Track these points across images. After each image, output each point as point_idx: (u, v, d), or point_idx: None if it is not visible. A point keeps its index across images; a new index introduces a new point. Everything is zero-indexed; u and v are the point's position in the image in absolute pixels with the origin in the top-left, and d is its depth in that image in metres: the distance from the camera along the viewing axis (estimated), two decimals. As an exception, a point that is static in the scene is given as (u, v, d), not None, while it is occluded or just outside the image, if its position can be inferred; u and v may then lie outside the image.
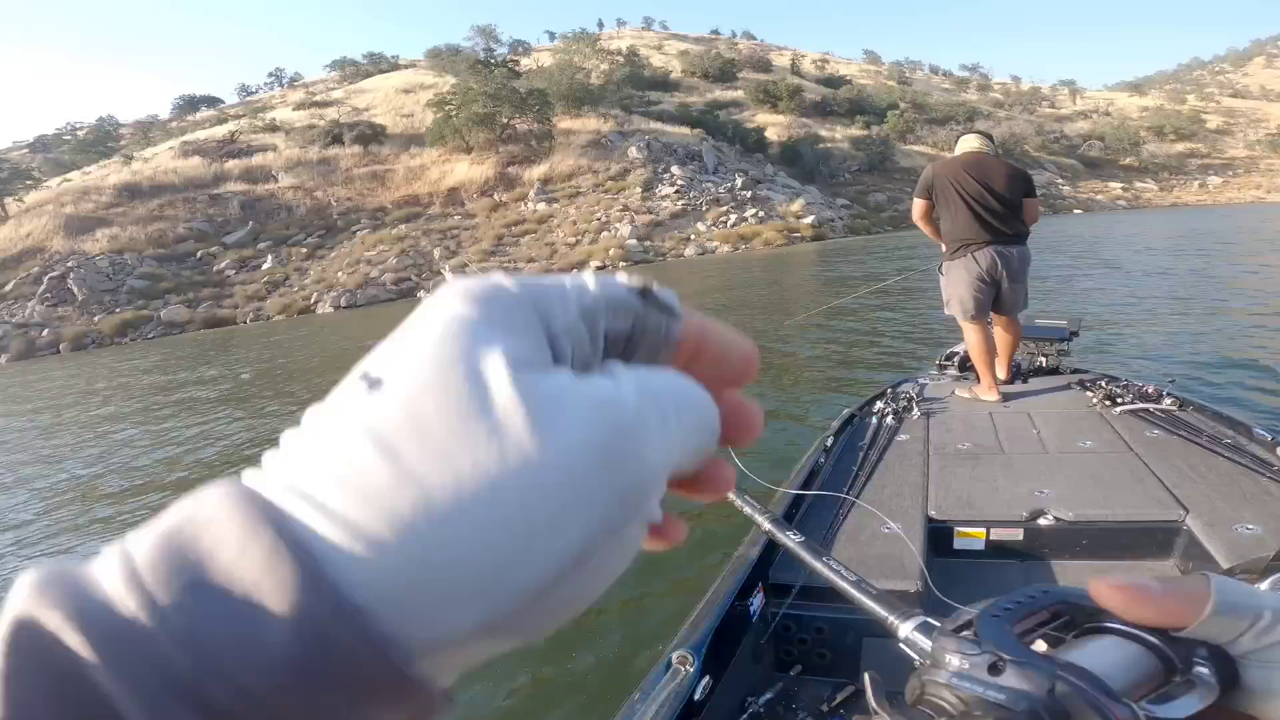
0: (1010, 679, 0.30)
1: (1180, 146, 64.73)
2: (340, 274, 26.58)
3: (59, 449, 7.69)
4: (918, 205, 3.10)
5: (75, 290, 27.25)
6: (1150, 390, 2.54)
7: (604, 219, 28.90)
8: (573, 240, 27.67)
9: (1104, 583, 0.34)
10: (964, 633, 0.32)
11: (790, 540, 0.83)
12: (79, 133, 54.11)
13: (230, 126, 45.22)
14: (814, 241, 28.59)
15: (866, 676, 0.37)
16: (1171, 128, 66.43)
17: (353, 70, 70.14)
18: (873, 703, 0.35)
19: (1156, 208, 48.45)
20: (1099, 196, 52.15)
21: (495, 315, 0.16)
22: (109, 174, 38.02)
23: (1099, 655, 0.32)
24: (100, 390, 12.23)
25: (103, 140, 51.23)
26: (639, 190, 30.81)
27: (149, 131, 59.23)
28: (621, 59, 49.23)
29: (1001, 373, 3.02)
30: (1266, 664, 0.31)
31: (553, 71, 41.01)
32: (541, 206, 30.47)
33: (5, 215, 33.45)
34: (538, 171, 32.71)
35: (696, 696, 1.09)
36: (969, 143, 3.07)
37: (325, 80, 72.42)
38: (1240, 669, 0.31)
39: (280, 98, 66.17)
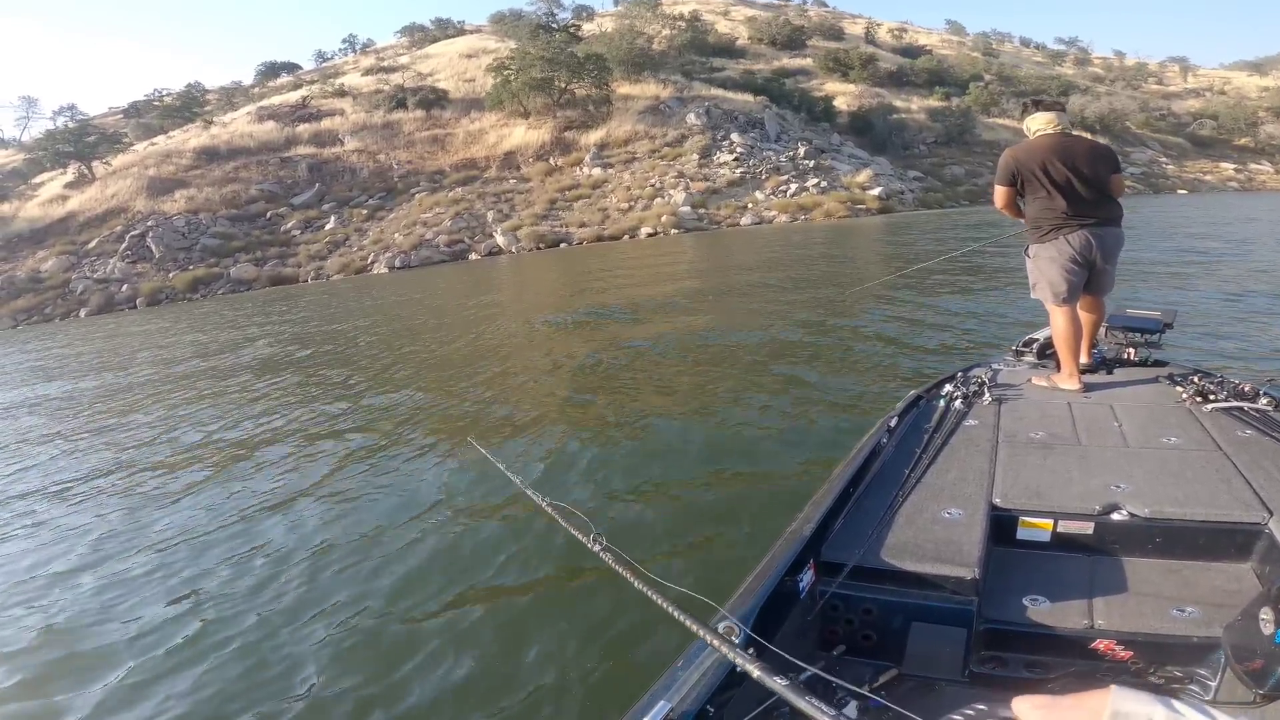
0: None
1: (1302, 128, 58.17)
2: (397, 235, 26.89)
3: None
4: (1000, 193, 2.97)
5: (153, 248, 28.60)
6: (1246, 389, 2.39)
7: (658, 185, 28.07)
8: (625, 206, 27.01)
9: (1021, 700, 0.40)
10: None
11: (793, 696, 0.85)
12: (166, 99, 56.61)
13: (303, 92, 46.39)
14: (880, 214, 27.04)
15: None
16: (1294, 108, 59.70)
17: (421, 36, 70.84)
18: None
19: (1272, 191, 43.84)
20: (1207, 177, 47.61)
21: None
22: (190, 138, 39.63)
23: None
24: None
25: (189, 106, 53.48)
26: (696, 157, 29.76)
27: (233, 97, 61.46)
28: (684, 24, 47.60)
29: (1083, 356, 2.89)
30: None
31: (612, 36, 40.05)
32: (596, 171, 29.90)
33: (93, 177, 35.42)
34: (594, 136, 32.08)
35: (738, 668, 1.04)
36: (1044, 121, 2.87)
37: (395, 46, 73.28)
38: None
39: (353, 63, 67.36)
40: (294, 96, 45.77)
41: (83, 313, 25.11)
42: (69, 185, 35.75)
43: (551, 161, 31.51)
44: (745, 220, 25.91)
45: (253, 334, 12.36)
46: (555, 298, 13.00)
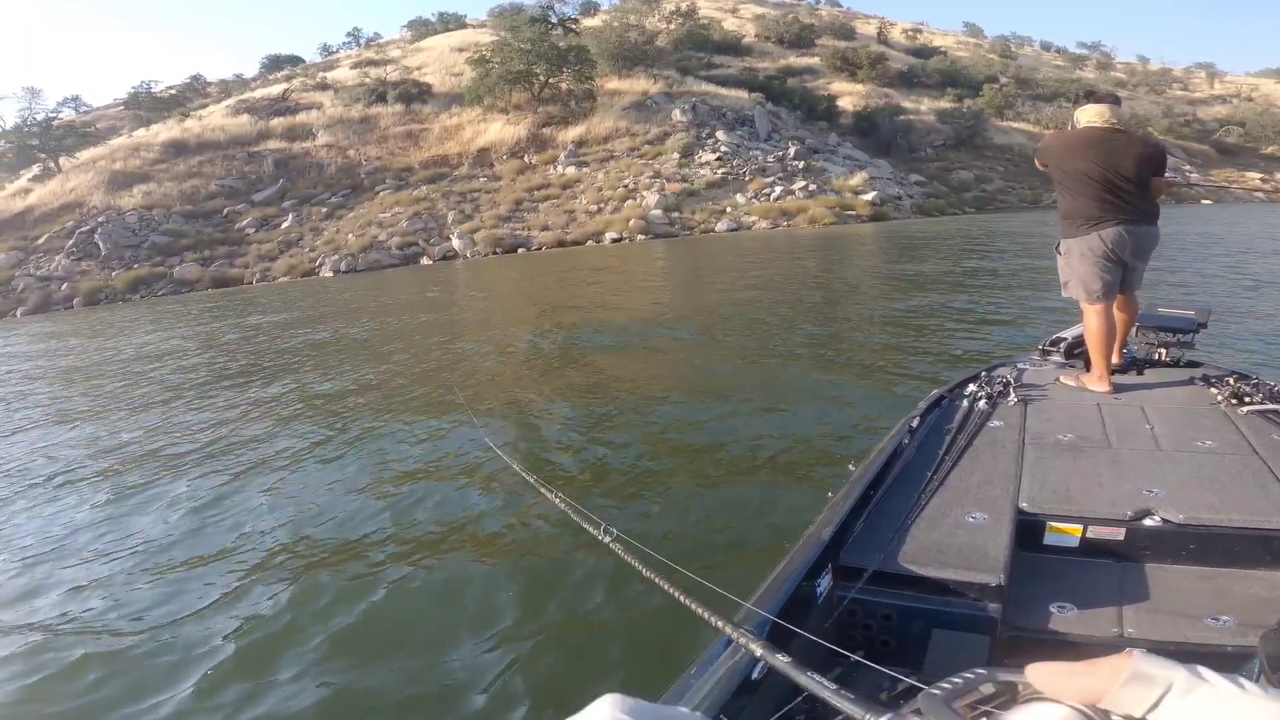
0: None
1: (1334, 137, 54.89)
2: (350, 236, 25.17)
3: None
4: (1038, 163, 2.91)
5: (100, 245, 27.09)
6: None
7: (631, 186, 26.02)
8: (594, 208, 25.01)
9: (1035, 667, 0.40)
10: (913, 710, 0.38)
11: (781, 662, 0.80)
12: (156, 91, 55.47)
13: (285, 85, 44.96)
14: (871, 221, 24.81)
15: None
16: (1325, 116, 56.51)
17: (423, 30, 69.51)
18: None
19: (1302, 200, 41.12)
20: (1233, 186, 44.95)
21: None
22: (161, 131, 38.23)
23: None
24: None
25: (183, 99, 52.20)
26: (676, 156, 27.62)
27: (233, 90, 60.22)
28: (680, 19, 45.58)
29: (1114, 357, 2.78)
30: None
31: (602, 30, 38.12)
32: (570, 170, 27.94)
33: (58, 170, 34.07)
34: (572, 133, 30.10)
35: (754, 675, 1.06)
36: (1094, 114, 2.73)
37: (398, 40, 71.92)
38: None
39: (356, 57, 65.88)
40: (276, 89, 44.31)
41: (19, 312, 23.67)
42: (33, 179, 34.47)
43: (525, 159, 29.64)
44: (721, 226, 23.81)
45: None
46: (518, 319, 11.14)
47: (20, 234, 29.22)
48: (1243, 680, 0.34)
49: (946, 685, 0.40)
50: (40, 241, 28.24)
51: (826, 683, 0.58)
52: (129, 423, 6.16)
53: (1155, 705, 0.34)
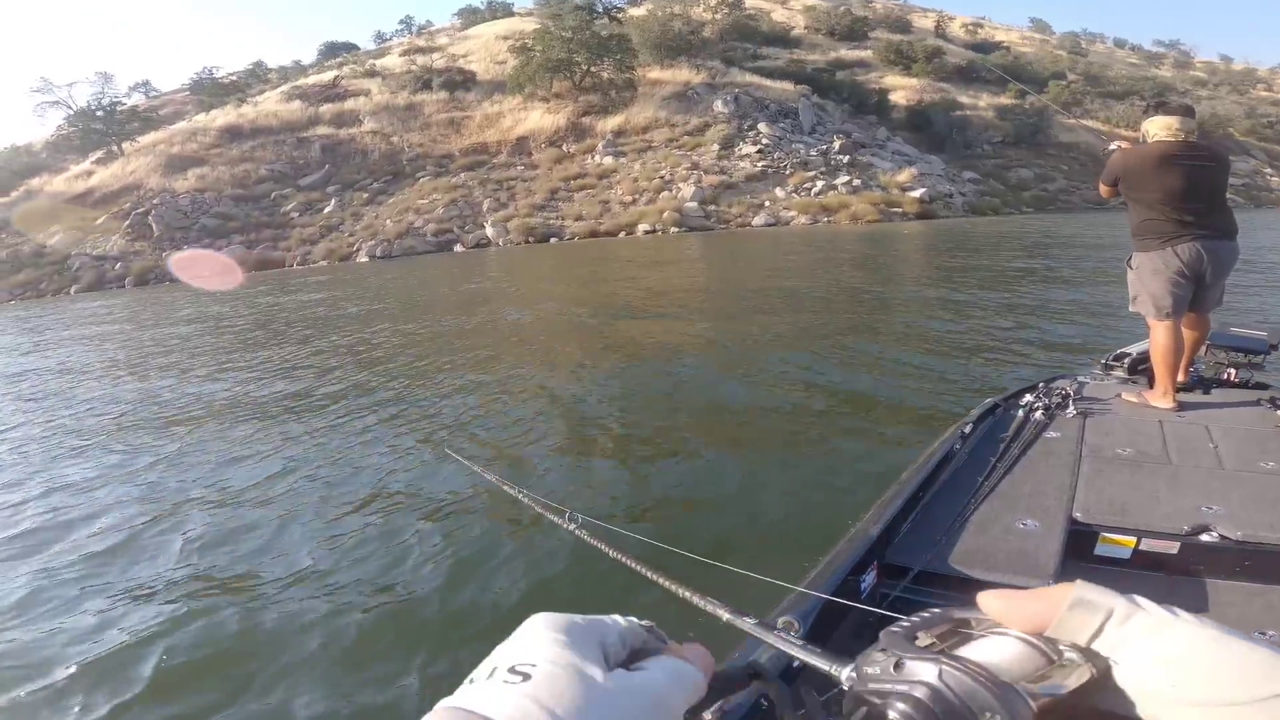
0: (909, 671, 0.37)
1: None
2: (388, 222, 25.39)
3: None
4: (1103, 190, 2.89)
5: (154, 226, 27.98)
6: None
7: (668, 177, 25.51)
8: (629, 199, 24.63)
9: (985, 595, 0.41)
10: (877, 649, 0.40)
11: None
12: (217, 77, 57.29)
13: (336, 72, 45.75)
14: (918, 219, 23.75)
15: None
16: None
17: (472, 18, 70.03)
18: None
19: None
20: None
21: (578, 637, 0.34)
22: (218, 116, 39.32)
23: (987, 651, 0.38)
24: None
25: (245, 85, 53.77)
26: (716, 147, 27.01)
27: (291, 76, 61.81)
28: (727, 9, 44.61)
29: (1180, 375, 2.74)
30: (1122, 663, 0.35)
31: (645, 19, 37.59)
32: (608, 160, 27.60)
33: (121, 153, 35.36)
34: (612, 122, 29.75)
35: (795, 664, 1.04)
36: (1162, 127, 2.62)
37: (449, 28, 72.64)
38: (1112, 668, 0.35)
39: (406, 45, 66.83)
40: (328, 76, 45.16)
41: (73, 290, 24.61)
42: (97, 161, 35.87)
43: (564, 148, 29.42)
44: (758, 220, 23.16)
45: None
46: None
47: (80, 215, 30.44)
48: (1178, 610, 0.35)
49: (906, 623, 0.41)
50: (98, 222, 29.34)
51: (794, 639, 0.60)
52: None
53: (1098, 632, 0.35)
